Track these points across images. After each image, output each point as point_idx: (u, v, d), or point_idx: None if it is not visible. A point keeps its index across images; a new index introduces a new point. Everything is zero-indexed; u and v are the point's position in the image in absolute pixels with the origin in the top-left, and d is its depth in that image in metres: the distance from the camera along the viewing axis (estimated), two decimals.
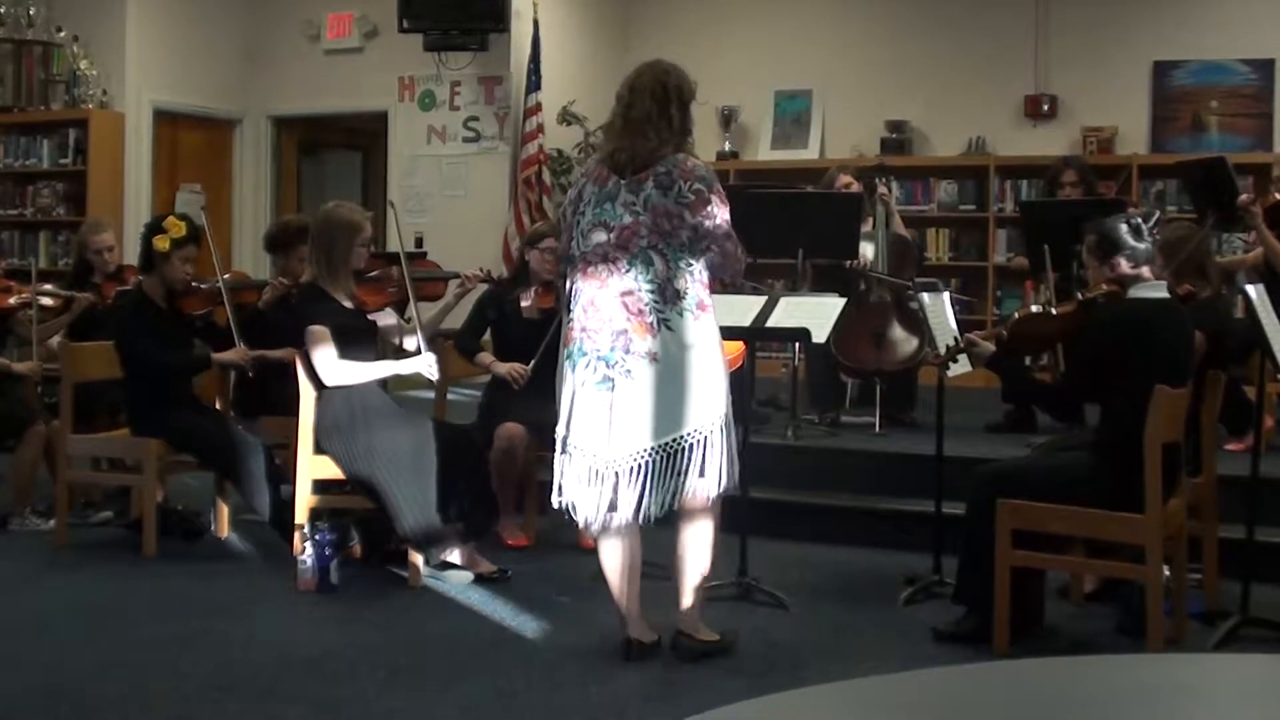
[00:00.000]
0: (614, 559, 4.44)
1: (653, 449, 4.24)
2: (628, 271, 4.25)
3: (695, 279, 4.27)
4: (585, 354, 4.31)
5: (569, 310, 4.41)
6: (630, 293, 4.25)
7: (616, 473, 4.27)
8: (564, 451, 4.38)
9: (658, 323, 4.23)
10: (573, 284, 4.38)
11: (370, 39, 10.53)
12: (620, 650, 4.46)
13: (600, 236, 4.30)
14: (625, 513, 4.29)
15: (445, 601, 5.20)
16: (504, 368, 6.03)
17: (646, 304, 4.23)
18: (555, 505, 4.44)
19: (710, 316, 4.32)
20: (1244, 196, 6.34)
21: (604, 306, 4.28)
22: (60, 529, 6.04)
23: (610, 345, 4.26)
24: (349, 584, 5.32)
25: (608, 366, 4.26)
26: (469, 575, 5.44)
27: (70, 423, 6.01)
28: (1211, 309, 5.26)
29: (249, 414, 6.38)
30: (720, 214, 4.26)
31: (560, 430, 4.40)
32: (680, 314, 4.24)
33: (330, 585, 5.25)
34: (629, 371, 4.24)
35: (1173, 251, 5.24)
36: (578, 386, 4.33)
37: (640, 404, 4.24)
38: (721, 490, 4.34)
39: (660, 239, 4.24)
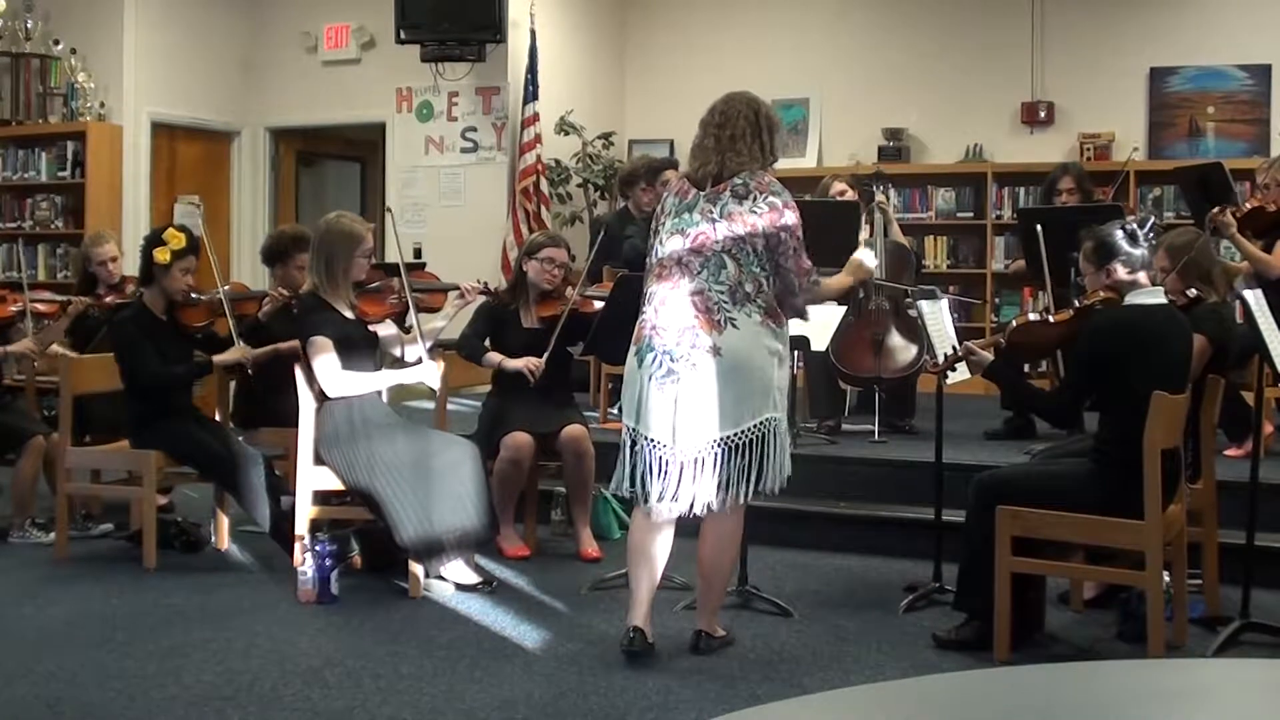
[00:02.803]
0: (646, 544, 4.55)
1: (719, 440, 4.40)
2: (700, 273, 4.44)
3: (766, 285, 4.44)
4: (653, 349, 4.47)
5: (642, 311, 4.58)
6: (701, 293, 4.43)
7: (683, 462, 4.42)
8: (634, 443, 4.51)
9: (724, 320, 4.41)
10: (648, 287, 4.56)
11: (367, 50, 10.54)
12: (624, 638, 4.49)
13: (677, 243, 4.51)
14: (690, 502, 4.43)
15: (446, 611, 5.20)
16: (518, 362, 6.00)
17: (715, 303, 4.41)
18: (623, 492, 4.58)
19: (779, 325, 4.49)
20: (1215, 210, 6.34)
21: (674, 305, 4.46)
22: (60, 541, 6.04)
23: (677, 340, 4.43)
24: (349, 594, 5.33)
25: (672, 360, 4.43)
26: (450, 586, 5.43)
27: (70, 435, 6.01)
28: (1215, 315, 5.26)
29: (249, 425, 6.39)
30: (796, 223, 4.46)
31: (629, 421, 4.54)
32: (749, 315, 4.42)
33: (331, 596, 5.25)
34: (694, 365, 4.40)
35: (1179, 255, 5.25)
36: (645, 380, 4.49)
37: (704, 396, 4.40)
38: (775, 488, 4.50)
39: (734, 244, 4.43)
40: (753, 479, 4.42)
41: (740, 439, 4.41)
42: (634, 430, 4.52)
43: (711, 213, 4.47)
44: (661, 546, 4.57)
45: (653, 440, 4.46)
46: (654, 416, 4.45)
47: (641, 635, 4.51)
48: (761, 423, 4.42)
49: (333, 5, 10.61)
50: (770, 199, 4.45)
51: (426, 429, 5.73)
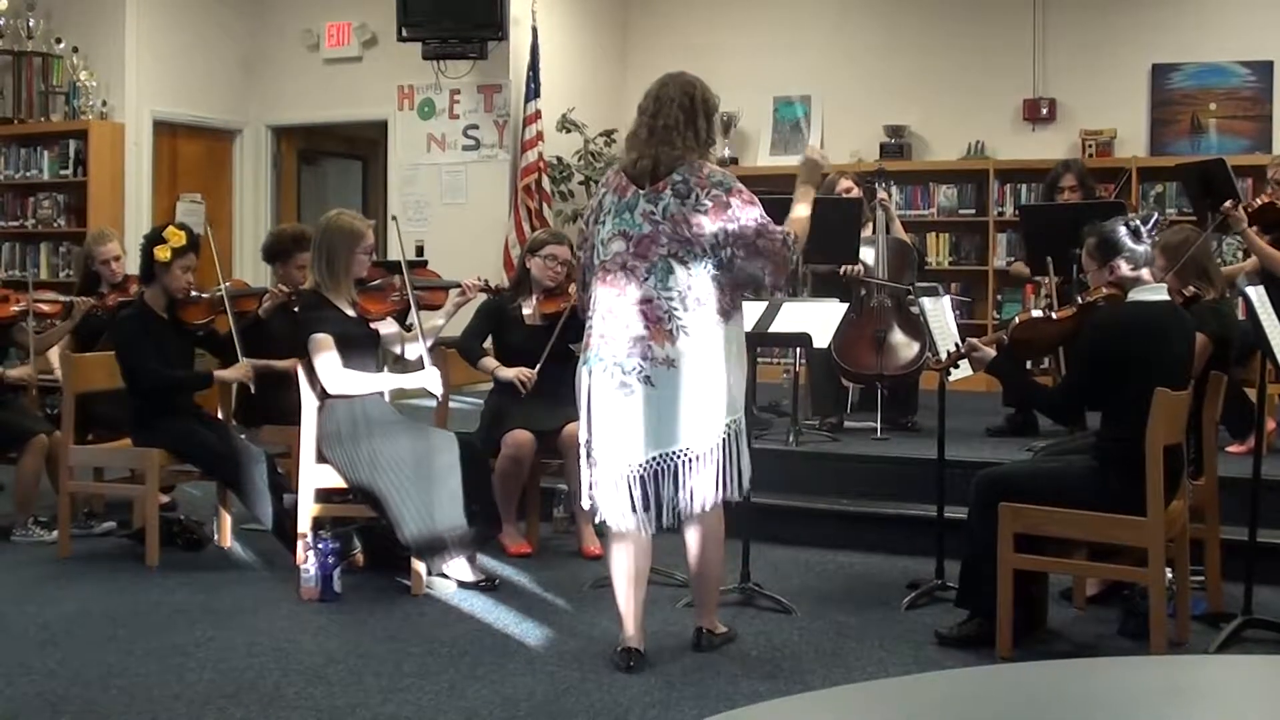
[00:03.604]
0: (624, 564, 4.44)
1: (678, 453, 4.29)
2: (646, 280, 4.28)
3: (717, 286, 4.29)
4: (602, 360, 4.33)
5: (588, 317, 4.44)
6: (649, 300, 4.27)
7: (643, 477, 4.30)
8: (589, 456, 4.41)
9: (676, 330, 4.26)
10: (592, 292, 4.41)
11: (369, 48, 10.54)
12: (619, 659, 4.45)
13: (619, 246, 4.34)
14: (653, 516, 4.32)
15: (448, 609, 5.20)
16: (510, 373, 6.01)
17: (666, 311, 4.26)
18: (585, 507, 4.50)
19: (734, 323, 4.37)
20: (1227, 204, 6.33)
21: (622, 314, 4.30)
22: (63, 540, 6.04)
23: (627, 352, 4.28)
24: (351, 592, 5.33)
25: (624, 373, 4.29)
26: (453, 584, 5.43)
27: (72, 433, 6.02)
28: (1215, 312, 5.26)
29: (251, 423, 6.39)
30: (745, 214, 4.27)
31: (583, 435, 4.43)
32: (701, 320, 4.27)
33: (333, 594, 5.25)
34: (647, 378, 4.27)
35: (1175, 254, 5.25)
36: (595, 392, 4.35)
37: (661, 410, 4.27)
38: (740, 493, 4.41)
39: (680, 247, 4.27)
40: (720, 485, 4.32)
41: (703, 448, 4.30)
42: (588, 442, 4.39)
43: (653, 214, 4.29)
44: (642, 558, 4.45)
45: (605, 455, 4.33)
46: (607, 431, 4.32)
47: (638, 655, 4.44)
48: (724, 427, 4.31)
49: (334, 3, 10.61)
50: (713, 193, 4.26)
51: (428, 427, 5.73)
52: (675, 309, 4.26)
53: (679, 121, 4.35)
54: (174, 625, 4.95)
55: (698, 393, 4.27)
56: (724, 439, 4.33)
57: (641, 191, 4.35)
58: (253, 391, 6.12)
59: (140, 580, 5.62)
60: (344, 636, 4.83)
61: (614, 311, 4.32)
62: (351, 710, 4.06)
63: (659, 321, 4.26)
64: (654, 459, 4.30)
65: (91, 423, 6.36)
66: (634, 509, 4.32)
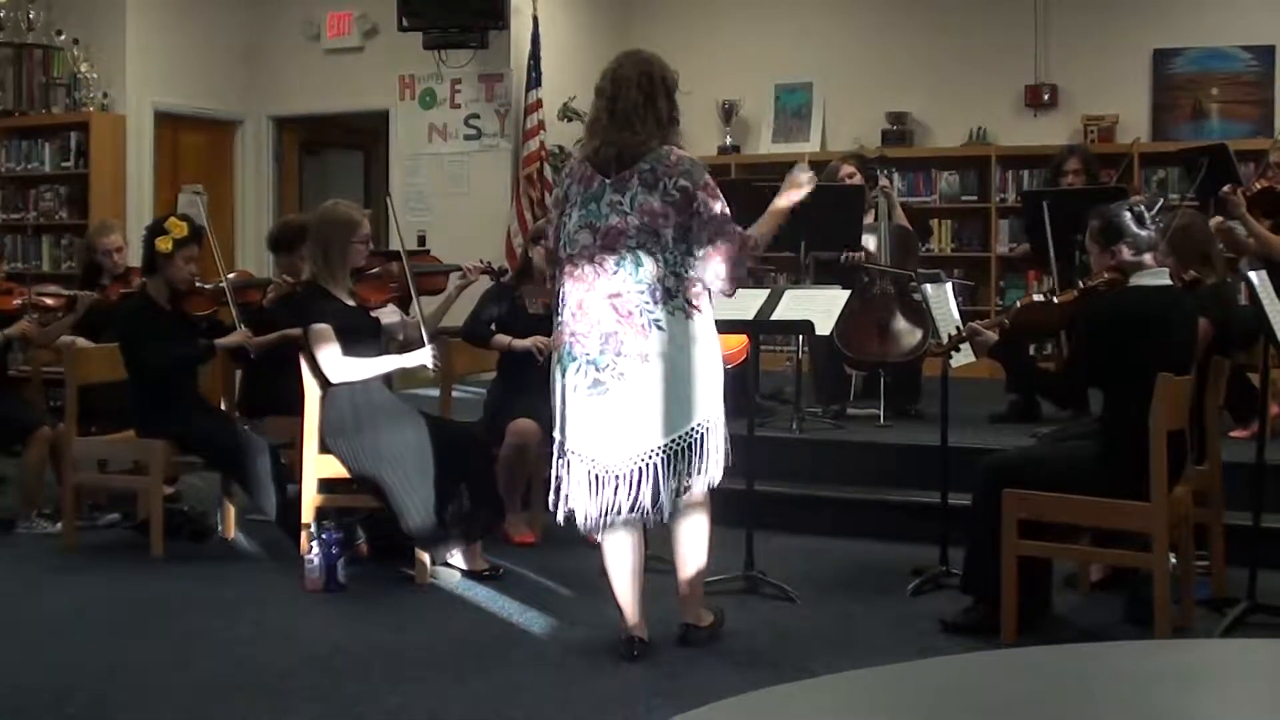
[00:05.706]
0: (618, 559, 4.41)
1: (655, 450, 4.22)
2: (615, 273, 4.19)
3: (686, 277, 4.20)
4: (575, 359, 4.25)
5: (558, 313, 4.34)
6: (618, 294, 4.18)
7: (618, 476, 4.24)
8: (561, 456, 4.35)
9: (649, 324, 4.17)
10: (560, 287, 4.31)
11: (370, 38, 10.52)
12: (622, 648, 4.44)
13: (586, 238, 4.23)
14: (632, 516, 4.27)
15: (453, 598, 5.21)
16: (526, 341, 5.95)
17: (636, 305, 4.17)
18: (553, 509, 4.42)
19: (704, 314, 4.26)
20: (1225, 188, 6.32)
21: (592, 309, 4.21)
22: (68, 532, 6.05)
23: (600, 349, 4.20)
24: (356, 582, 5.33)
25: (598, 370, 4.21)
26: (457, 574, 5.43)
27: (75, 426, 6.02)
28: (1216, 296, 5.25)
29: (254, 414, 6.39)
30: (711, 206, 4.18)
31: (556, 435, 4.37)
32: (672, 313, 4.18)
33: (337, 584, 5.26)
34: (621, 374, 4.19)
35: (1175, 237, 5.24)
36: (569, 391, 4.28)
37: (636, 407, 4.20)
38: (715, 483, 4.35)
39: (649, 237, 4.17)
40: (697, 476, 4.25)
41: (681, 443, 4.22)
42: (561, 443, 4.33)
43: (621, 204, 4.17)
44: (636, 550, 4.41)
45: (583, 455, 4.26)
46: (581, 430, 4.25)
47: (640, 642, 4.42)
48: (700, 422, 4.24)
49: None
50: (680, 183, 4.15)
51: (432, 415, 5.72)
52: (646, 303, 4.17)
53: (638, 104, 4.22)
54: (179, 616, 4.96)
55: (676, 386, 4.19)
56: (703, 433, 4.24)
57: (608, 181, 4.24)
58: (252, 357, 6.10)
59: (145, 572, 5.63)
60: (349, 627, 4.84)
61: (584, 307, 4.23)
62: (356, 700, 4.06)
63: (629, 316, 4.17)
64: (635, 457, 4.22)
65: (95, 415, 6.36)
66: (612, 509, 4.25)
